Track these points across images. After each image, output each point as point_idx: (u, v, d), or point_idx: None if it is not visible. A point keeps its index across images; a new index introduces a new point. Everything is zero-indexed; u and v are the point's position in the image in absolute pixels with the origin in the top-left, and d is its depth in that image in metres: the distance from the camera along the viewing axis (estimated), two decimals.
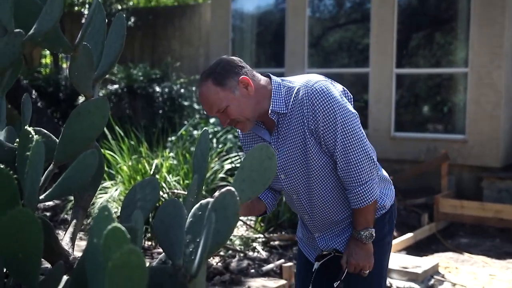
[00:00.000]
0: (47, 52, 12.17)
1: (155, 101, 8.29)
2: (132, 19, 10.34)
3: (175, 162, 5.24)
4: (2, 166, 0.89)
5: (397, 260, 4.52)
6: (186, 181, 4.96)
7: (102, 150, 5.06)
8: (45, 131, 1.31)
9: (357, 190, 2.03)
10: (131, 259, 0.67)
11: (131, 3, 12.24)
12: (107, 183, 5.16)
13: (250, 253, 4.86)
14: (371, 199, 2.04)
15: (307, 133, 2.03)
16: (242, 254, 4.78)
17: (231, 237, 4.99)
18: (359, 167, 2.01)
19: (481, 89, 6.99)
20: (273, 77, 2.13)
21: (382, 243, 2.20)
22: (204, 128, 1.29)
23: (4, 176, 0.90)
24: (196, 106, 8.26)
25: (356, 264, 2.10)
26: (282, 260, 4.60)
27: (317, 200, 2.13)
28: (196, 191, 1.24)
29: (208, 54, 9.74)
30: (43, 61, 12.76)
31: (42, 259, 0.94)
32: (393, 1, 7.53)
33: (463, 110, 7.34)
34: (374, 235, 2.09)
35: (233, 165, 5.56)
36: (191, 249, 1.03)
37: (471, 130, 7.10)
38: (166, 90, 8.39)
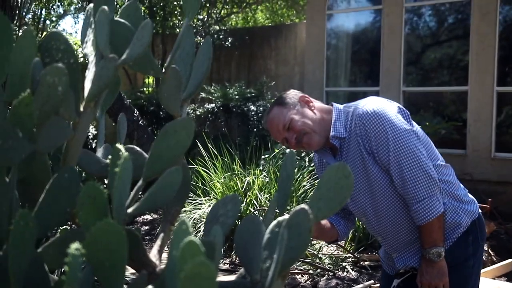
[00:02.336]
0: None
1: (250, 120, 8.44)
2: (230, 40, 10.62)
3: (266, 179, 5.31)
4: (95, 181, 0.96)
5: (494, 286, 4.29)
6: None
7: (198, 167, 5.21)
8: (138, 149, 1.39)
9: (416, 206, 2.03)
10: (201, 270, 0.70)
11: (229, 24, 12.59)
12: (202, 199, 5.32)
13: (339, 273, 4.80)
14: (432, 215, 2.02)
15: (364, 153, 2.08)
16: (331, 273, 4.74)
17: (321, 255, 4.96)
18: (415, 183, 2.01)
19: None
20: (335, 104, 2.22)
21: (465, 266, 2.14)
22: (290, 150, 1.33)
23: (96, 190, 0.97)
24: None
25: (429, 284, 2.08)
26: (372, 281, 4.51)
27: (385, 221, 2.15)
28: (281, 209, 1.28)
29: (303, 73, 9.80)
30: (146, 81, 13.37)
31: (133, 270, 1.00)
32: (495, 17, 7.25)
33: None
34: (442, 253, 2.06)
35: None
36: (267, 265, 1.06)
37: None
38: (261, 109, 8.52)
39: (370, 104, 2.08)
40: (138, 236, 1.22)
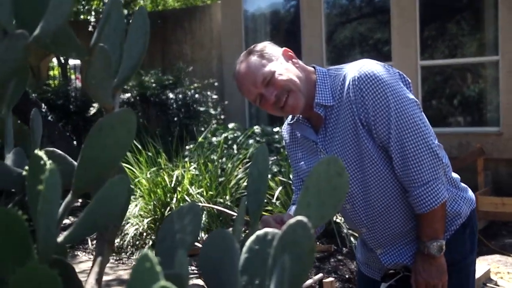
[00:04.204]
0: (55, 63, 12.11)
1: (170, 108, 8.14)
2: None
3: (196, 172, 5.07)
4: (9, 207, 0.71)
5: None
6: (210, 192, 4.78)
7: None
8: (60, 152, 1.13)
9: (418, 191, 1.73)
10: None
11: (136, 8, 12.13)
12: None
13: None
14: (436, 201, 1.73)
15: (359, 126, 1.76)
16: None
17: None
18: (419, 162, 1.72)
19: None
20: (317, 66, 1.91)
21: (464, 265, 1.91)
22: (262, 143, 1.10)
23: (12, 219, 0.72)
24: (212, 112, 8.09)
25: (426, 283, 1.80)
26: (321, 275, 4.39)
27: (376, 208, 1.84)
28: (254, 218, 1.06)
29: (220, 56, 9.58)
30: (51, 73, 12.69)
31: None
32: None
33: (495, 100, 7.09)
34: (444, 247, 1.78)
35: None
36: None
37: (506, 121, 6.85)
38: (180, 96, 8.24)
39: (367, 66, 1.76)
40: (71, 267, 0.97)
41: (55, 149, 1.15)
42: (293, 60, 1.87)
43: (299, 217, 0.75)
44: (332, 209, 0.89)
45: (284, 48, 1.90)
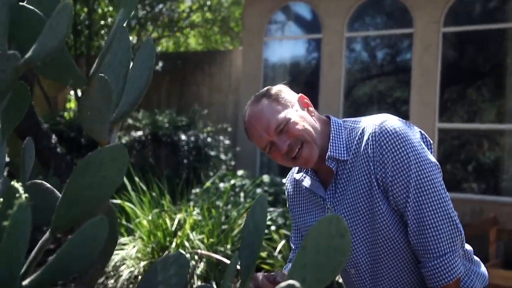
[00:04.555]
0: (72, 95, 12.20)
1: (180, 150, 8.11)
2: (160, 64, 10.31)
3: (199, 217, 4.98)
4: None
5: None
6: (211, 240, 4.68)
7: (121, 201, 4.78)
8: (48, 185, 1.07)
9: (434, 263, 1.60)
10: None
11: (159, 48, 12.28)
12: (125, 239, 4.91)
13: None
14: (452, 276, 1.60)
15: (375, 185, 1.63)
16: None
17: None
18: (438, 232, 1.59)
19: None
20: (332, 117, 1.79)
21: None
22: (262, 193, 1.04)
23: None
24: (223, 157, 8.05)
25: None
26: None
27: (384, 276, 1.71)
28: (245, 275, 0.99)
29: (238, 102, 9.60)
30: (68, 105, 12.79)
31: None
32: (437, 49, 7.32)
33: None
34: None
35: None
36: None
37: None
38: (192, 138, 8.22)
39: (389, 122, 1.65)
40: None
41: (44, 182, 1.09)
42: (309, 108, 1.77)
43: (291, 282, 0.68)
44: (331, 273, 0.82)
45: (300, 95, 1.80)
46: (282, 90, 1.77)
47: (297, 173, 1.86)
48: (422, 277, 1.70)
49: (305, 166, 1.73)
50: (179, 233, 4.60)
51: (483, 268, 1.82)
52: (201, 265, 4.38)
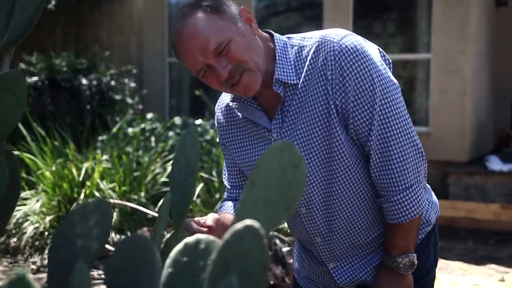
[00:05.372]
0: None
1: (82, 95, 7.75)
2: (53, 2, 9.71)
3: (109, 165, 4.79)
4: None
5: None
6: (123, 188, 4.52)
7: (19, 153, 4.51)
8: None
9: (399, 197, 1.48)
10: None
11: None
12: (27, 193, 4.65)
13: None
14: (418, 209, 1.51)
15: (333, 112, 1.46)
16: None
17: None
18: (404, 162, 1.47)
19: (445, 76, 6.85)
20: (275, 34, 1.56)
21: (428, 280, 1.71)
22: (192, 124, 0.91)
23: None
24: (129, 101, 7.77)
25: None
26: None
27: (338, 214, 1.57)
28: (178, 220, 0.88)
29: (141, 43, 9.27)
30: None
31: None
32: None
33: (425, 100, 7.19)
34: (416, 262, 1.56)
35: None
36: None
37: (434, 121, 6.96)
38: (94, 82, 7.86)
39: (349, 38, 1.46)
40: None
41: None
42: (252, 25, 1.51)
43: (248, 222, 0.58)
44: (285, 210, 0.72)
45: (242, 7, 1.51)
46: (223, 1, 1.49)
47: (232, 101, 1.63)
48: (380, 214, 1.60)
49: (244, 95, 1.52)
50: (88, 183, 4.40)
51: (434, 197, 1.76)
52: (114, 215, 4.23)
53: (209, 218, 1.44)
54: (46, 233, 4.34)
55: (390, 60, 1.58)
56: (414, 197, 1.50)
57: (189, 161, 0.92)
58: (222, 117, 1.71)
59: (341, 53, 1.44)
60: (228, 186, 1.78)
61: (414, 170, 1.50)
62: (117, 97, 7.73)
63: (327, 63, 1.45)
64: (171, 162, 5.19)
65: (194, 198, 4.44)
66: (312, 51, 1.49)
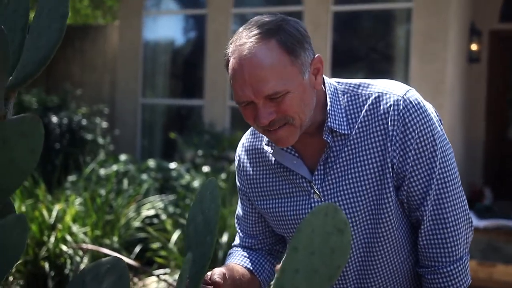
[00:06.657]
0: None
1: (52, 134, 7.61)
2: None
3: (81, 208, 4.65)
4: None
5: None
6: (97, 232, 4.38)
7: None
8: None
9: (449, 269, 1.41)
10: None
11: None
12: None
13: None
14: (466, 283, 1.44)
15: (389, 169, 1.37)
16: None
17: None
18: (457, 232, 1.41)
19: None
20: (326, 78, 1.46)
21: None
22: (210, 178, 0.86)
23: None
24: (100, 141, 7.65)
25: None
26: None
27: (372, 280, 1.49)
28: (194, 285, 0.82)
29: (114, 82, 9.20)
30: None
31: None
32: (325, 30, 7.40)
33: None
34: None
35: (153, 211, 4.99)
36: None
37: None
38: (65, 121, 7.74)
39: (413, 94, 1.40)
40: None
41: None
42: (317, 78, 1.38)
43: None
44: (327, 280, 0.67)
45: (317, 55, 1.39)
46: (304, 39, 1.36)
47: (267, 144, 1.51)
48: (416, 283, 1.54)
49: (275, 144, 1.41)
50: (59, 226, 4.26)
51: None
52: (85, 261, 4.08)
53: (216, 273, 1.36)
54: (12, 278, 4.15)
55: (441, 119, 1.52)
56: (463, 269, 1.44)
57: (207, 219, 0.87)
58: (247, 160, 1.58)
59: (406, 108, 1.36)
60: (241, 234, 1.66)
61: (465, 241, 1.45)
62: (89, 136, 7.61)
63: (389, 116, 1.37)
64: (144, 206, 5.11)
65: (171, 246, 4.33)
66: (370, 101, 1.41)
